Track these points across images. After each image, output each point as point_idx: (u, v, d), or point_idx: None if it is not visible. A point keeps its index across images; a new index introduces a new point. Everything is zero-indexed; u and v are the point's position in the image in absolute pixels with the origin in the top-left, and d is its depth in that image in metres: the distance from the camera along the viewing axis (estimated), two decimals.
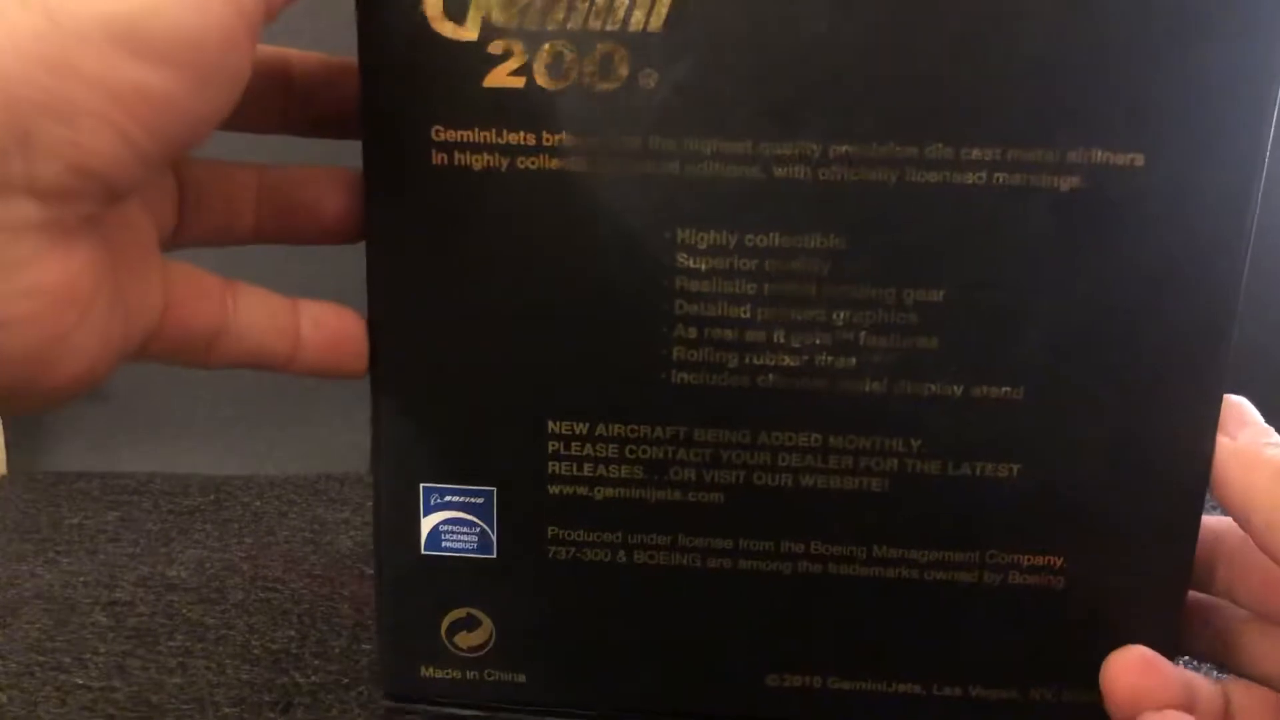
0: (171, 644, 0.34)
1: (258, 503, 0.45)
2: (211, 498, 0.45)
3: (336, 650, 0.34)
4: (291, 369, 0.26)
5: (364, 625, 0.35)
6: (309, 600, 0.37)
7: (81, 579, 0.38)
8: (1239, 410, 0.28)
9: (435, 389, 0.28)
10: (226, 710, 0.31)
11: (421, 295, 0.27)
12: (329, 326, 0.27)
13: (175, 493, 0.46)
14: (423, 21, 0.25)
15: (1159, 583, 0.28)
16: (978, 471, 0.27)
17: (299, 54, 0.27)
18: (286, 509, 0.44)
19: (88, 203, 0.20)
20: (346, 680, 0.32)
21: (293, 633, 0.35)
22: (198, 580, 0.38)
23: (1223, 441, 0.27)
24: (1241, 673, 0.29)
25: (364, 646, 0.34)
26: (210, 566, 0.39)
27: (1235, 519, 0.26)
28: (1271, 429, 0.27)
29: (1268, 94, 0.24)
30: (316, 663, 0.33)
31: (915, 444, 0.27)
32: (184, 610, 0.36)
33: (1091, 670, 0.28)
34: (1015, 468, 0.27)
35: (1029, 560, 0.28)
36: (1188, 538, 0.27)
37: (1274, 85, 0.24)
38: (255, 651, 0.34)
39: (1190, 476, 0.27)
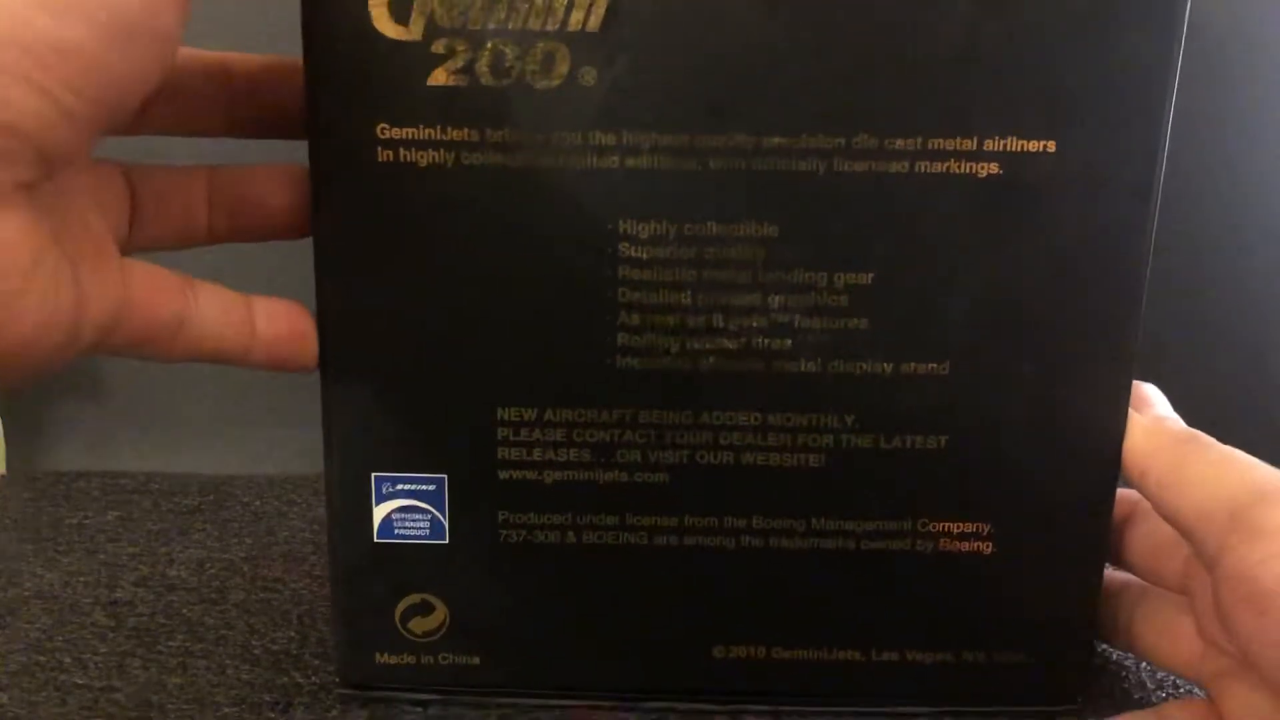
0: (171, 644, 0.34)
1: (258, 503, 0.45)
2: (211, 498, 0.45)
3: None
4: (247, 362, 0.27)
5: None
6: (309, 600, 0.37)
7: (81, 579, 0.38)
8: (1147, 395, 0.30)
9: (385, 380, 0.28)
10: (226, 710, 0.31)
11: (370, 289, 0.28)
12: (281, 321, 0.27)
13: (175, 493, 0.46)
14: (366, 21, 0.25)
15: (1080, 547, 0.29)
16: (908, 444, 0.28)
17: (239, 56, 0.28)
18: (286, 509, 0.44)
19: (19, 167, 0.20)
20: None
21: (293, 633, 0.35)
22: (198, 580, 0.38)
23: (1129, 413, 0.29)
24: (1132, 648, 0.31)
25: None
26: (210, 566, 0.39)
27: (1133, 481, 0.28)
28: (1175, 413, 0.29)
29: (1166, 83, 0.26)
30: (316, 663, 0.33)
31: (849, 419, 0.28)
32: (184, 610, 0.36)
33: (1019, 632, 0.30)
34: (943, 439, 0.28)
35: (959, 528, 0.29)
36: (1105, 504, 0.29)
37: (1172, 74, 0.26)
38: (255, 651, 0.34)
39: (1105, 445, 0.28)
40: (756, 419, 0.28)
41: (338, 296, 0.28)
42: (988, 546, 0.29)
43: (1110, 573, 0.32)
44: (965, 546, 0.29)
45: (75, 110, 0.20)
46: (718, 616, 0.30)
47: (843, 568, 0.30)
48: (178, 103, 0.27)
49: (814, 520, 0.29)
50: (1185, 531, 0.26)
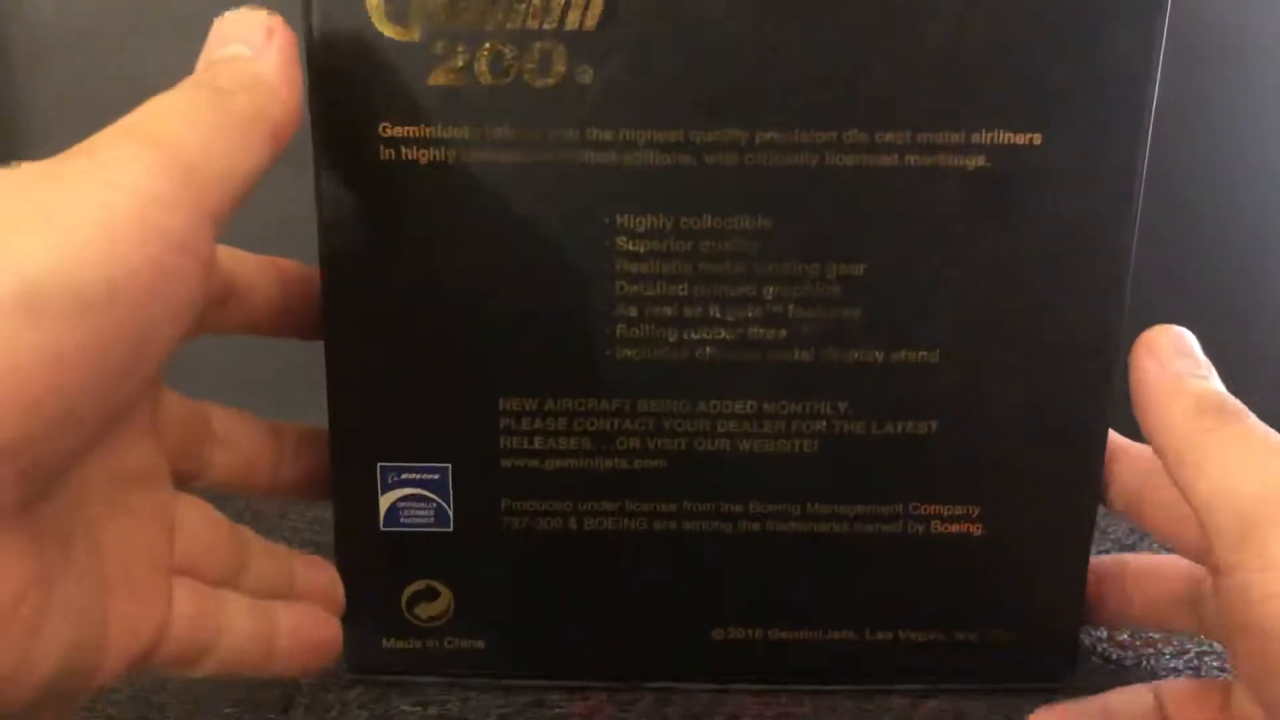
0: None
1: (258, 503, 0.44)
2: (211, 498, 0.45)
3: None
4: (267, 673, 0.27)
5: None
6: None
7: None
8: (1179, 340, 0.26)
9: (389, 372, 0.29)
10: (226, 710, 0.31)
11: (374, 283, 0.28)
12: (303, 635, 0.27)
13: None
14: (367, 23, 0.26)
15: (1067, 528, 0.30)
16: (899, 430, 0.29)
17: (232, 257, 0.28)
18: (286, 509, 0.43)
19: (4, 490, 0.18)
20: (347, 680, 0.32)
21: None
22: None
23: (1150, 368, 0.26)
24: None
25: None
26: None
27: (1152, 446, 0.26)
28: (1208, 362, 0.26)
29: (1149, 74, 0.27)
30: None
31: (842, 406, 0.29)
32: None
33: (1009, 612, 0.31)
34: (933, 425, 0.29)
35: (949, 510, 0.30)
36: (1091, 487, 0.30)
37: (1154, 66, 0.27)
38: None
39: (1089, 430, 0.29)
40: (752, 407, 0.29)
41: (342, 290, 0.28)
42: (977, 528, 0.30)
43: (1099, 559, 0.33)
44: (955, 529, 0.30)
45: (64, 417, 0.18)
46: (716, 599, 0.31)
47: (837, 550, 0.30)
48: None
49: (808, 505, 0.30)
50: (1198, 518, 0.24)
